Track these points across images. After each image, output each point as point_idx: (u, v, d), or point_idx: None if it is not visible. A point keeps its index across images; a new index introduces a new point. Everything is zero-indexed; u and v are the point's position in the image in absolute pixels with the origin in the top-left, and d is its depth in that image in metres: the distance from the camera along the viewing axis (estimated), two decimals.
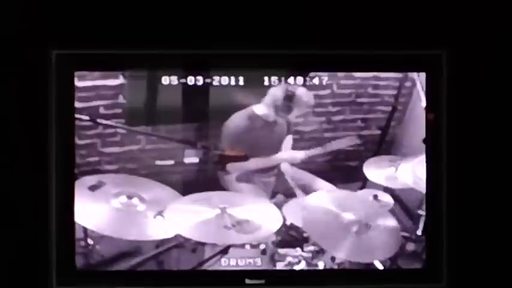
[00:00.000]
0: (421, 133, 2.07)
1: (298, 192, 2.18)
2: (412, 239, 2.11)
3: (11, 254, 2.07)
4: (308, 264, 2.11)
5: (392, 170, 2.17)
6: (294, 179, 2.19)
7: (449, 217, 2.06)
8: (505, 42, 2.14)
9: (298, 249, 2.11)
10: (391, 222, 2.14)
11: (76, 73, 2.02)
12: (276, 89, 2.09)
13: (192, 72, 2.05)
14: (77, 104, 2.03)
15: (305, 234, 2.10)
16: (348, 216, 2.11)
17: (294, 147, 2.20)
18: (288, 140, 2.20)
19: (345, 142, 2.16)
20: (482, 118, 2.13)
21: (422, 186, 2.08)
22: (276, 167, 2.19)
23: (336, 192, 2.17)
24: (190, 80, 2.06)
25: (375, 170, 2.17)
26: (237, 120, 2.14)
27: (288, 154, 2.19)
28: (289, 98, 2.10)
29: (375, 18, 2.13)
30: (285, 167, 2.20)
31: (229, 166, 2.13)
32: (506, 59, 2.15)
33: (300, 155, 2.17)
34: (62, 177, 2.01)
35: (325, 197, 2.15)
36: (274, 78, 2.07)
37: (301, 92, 2.10)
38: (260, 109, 2.14)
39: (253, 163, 2.15)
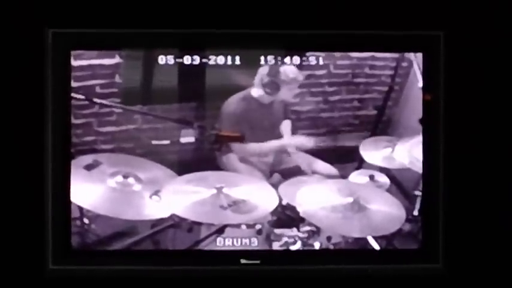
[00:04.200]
0: (418, 113, 2.08)
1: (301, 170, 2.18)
2: (409, 220, 2.11)
3: (7, 234, 2.07)
4: (304, 244, 2.11)
5: (389, 151, 2.16)
6: (292, 159, 2.19)
7: (446, 197, 2.07)
8: (502, 25, 2.14)
9: (294, 229, 2.11)
10: (387, 202, 2.14)
11: (72, 52, 2.02)
12: (264, 67, 2.08)
13: (188, 51, 2.05)
14: (73, 83, 2.03)
15: (301, 214, 2.10)
16: (344, 197, 2.13)
17: (292, 131, 2.19)
18: (286, 125, 2.19)
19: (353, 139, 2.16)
20: (479, 99, 2.13)
21: (418, 167, 2.08)
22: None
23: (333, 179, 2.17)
24: (187, 60, 2.05)
25: (371, 151, 2.17)
26: (234, 103, 2.13)
27: (295, 140, 2.18)
28: (274, 74, 2.09)
29: None
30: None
31: (229, 147, 2.13)
32: (504, 42, 2.14)
33: (309, 142, 2.17)
34: (58, 156, 2.01)
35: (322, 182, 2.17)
36: (270, 58, 2.07)
37: (286, 68, 2.09)
38: (256, 91, 2.13)
39: (256, 148, 2.15)
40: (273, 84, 2.10)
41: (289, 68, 2.09)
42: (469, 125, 2.13)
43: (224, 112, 2.12)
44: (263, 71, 2.09)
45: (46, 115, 2.00)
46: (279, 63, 2.07)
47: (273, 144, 2.18)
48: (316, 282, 2.09)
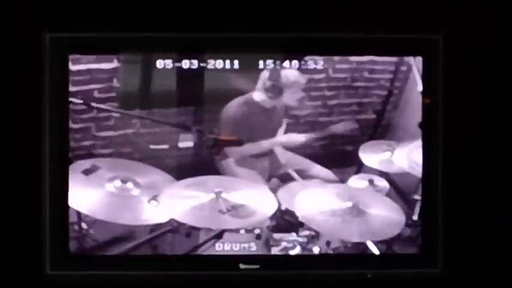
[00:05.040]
0: (417, 117, 2.07)
1: (295, 176, 2.17)
2: (408, 224, 2.10)
3: (4, 239, 2.06)
4: (303, 249, 2.10)
5: (388, 155, 2.16)
6: (290, 164, 2.18)
7: (445, 202, 2.06)
8: (501, 28, 2.14)
9: (294, 234, 2.10)
10: (387, 206, 2.13)
11: (70, 56, 2.01)
12: (266, 71, 2.08)
13: (186, 55, 2.04)
14: (71, 88, 2.02)
15: (300, 219, 2.09)
16: (344, 201, 2.12)
17: (287, 131, 2.19)
18: (282, 127, 2.19)
19: (343, 127, 2.15)
20: (478, 102, 2.13)
21: (418, 171, 2.07)
22: (272, 151, 2.18)
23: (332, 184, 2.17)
24: (185, 64, 2.05)
25: (370, 155, 2.16)
26: (235, 107, 2.13)
27: (285, 137, 2.17)
28: (276, 78, 2.08)
29: (371, 1, 2.12)
30: (280, 152, 2.19)
31: (225, 150, 2.13)
32: (503, 44, 2.14)
33: (298, 138, 2.16)
34: (56, 161, 2.00)
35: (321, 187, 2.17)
36: (269, 62, 2.06)
37: (289, 72, 2.09)
38: (258, 96, 2.13)
39: (249, 148, 2.14)
40: (275, 88, 2.10)
41: (291, 71, 2.09)
42: (468, 129, 2.12)
43: (224, 116, 2.12)
44: (265, 75, 2.08)
45: (44, 119, 1.99)
46: (279, 67, 2.07)
47: (265, 143, 2.17)
48: (315, 287, 2.08)
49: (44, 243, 2.00)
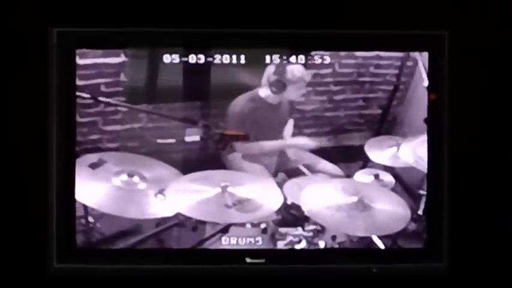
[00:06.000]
0: (423, 112, 2.07)
1: (304, 170, 2.18)
2: (413, 219, 2.11)
3: (11, 233, 2.07)
4: (309, 243, 2.11)
5: (394, 150, 2.17)
6: (297, 159, 2.19)
7: (450, 197, 2.07)
8: (507, 24, 2.14)
9: (299, 228, 2.11)
10: (392, 201, 2.14)
11: (77, 51, 2.01)
12: (271, 66, 2.09)
13: (193, 50, 2.05)
14: (78, 82, 2.02)
15: (305, 214, 2.10)
16: (349, 196, 2.13)
17: (294, 129, 2.20)
18: (289, 124, 2.20)
19: (358, 138, 2.17)
20: (484, 98, 2.13)
21: (423, 166, 2.08)
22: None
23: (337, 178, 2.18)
24: (192, 58, 2.05)
25: (376, 150, 2.17)
26: (241, 102, 2.13)
27: (297, 141, 2.18)
28: (280, 73, 2.09)
29: None
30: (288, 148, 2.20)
31: (232, 146, 2.13)
32: (508, 41, 2.14)
33: (311, 143, 2.17)
34: (63, 155, 2.01)
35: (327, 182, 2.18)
36: (275, 57, 2.06)
37: (293, 67, 2.09)
38: (264, 92, 2.14)
39: (259, 147, 2.16)
40: (279, 83, 2.11)
41: (296, 67, 2.09)
42: (473, 124, 2.13)
43: (231, 112, 2.12)
44: (270, 70, 2.09)
45: (51, 114, 2.00)
46: (285, 62, 2.07)
47: (274, 144, 2.18)
48: (320, 281, 2.08)
49: (51, 236, 2.00)
